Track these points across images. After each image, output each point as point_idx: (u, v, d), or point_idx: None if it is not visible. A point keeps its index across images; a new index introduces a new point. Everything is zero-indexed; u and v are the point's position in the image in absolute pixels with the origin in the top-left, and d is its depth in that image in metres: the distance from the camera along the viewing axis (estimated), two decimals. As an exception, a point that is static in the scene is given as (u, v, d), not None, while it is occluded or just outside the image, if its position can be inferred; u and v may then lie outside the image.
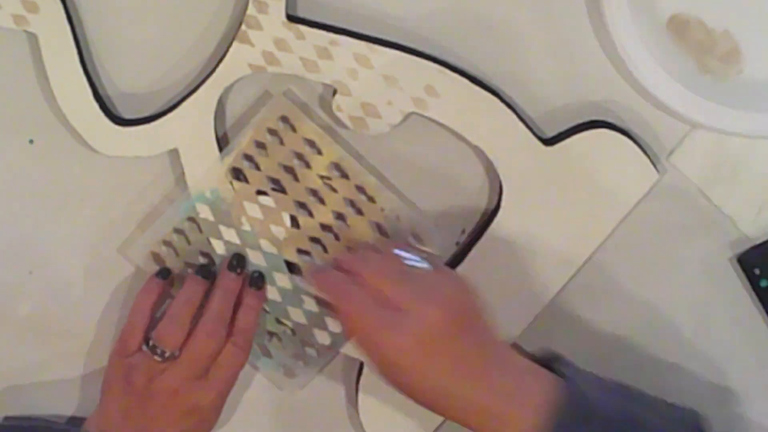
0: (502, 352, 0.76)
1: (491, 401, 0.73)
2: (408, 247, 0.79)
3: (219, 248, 0.84)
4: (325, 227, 0.84)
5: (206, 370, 0.81)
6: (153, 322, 0.82)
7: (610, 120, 0.83)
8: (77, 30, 0.83)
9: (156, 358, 0.80)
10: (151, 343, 0.81)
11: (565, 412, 0.72)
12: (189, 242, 0.85)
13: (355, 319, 0.75)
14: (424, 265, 0.78)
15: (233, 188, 0.84)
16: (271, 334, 0.85)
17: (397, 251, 0.79)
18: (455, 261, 0.84)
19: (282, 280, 0.84)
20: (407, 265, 0.78)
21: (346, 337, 0.83)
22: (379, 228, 0.84)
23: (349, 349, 0.85)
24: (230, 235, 0.84)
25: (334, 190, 0.83)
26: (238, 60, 0.82)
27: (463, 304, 0.75)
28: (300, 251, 0.84)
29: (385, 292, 0.74)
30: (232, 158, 0.83)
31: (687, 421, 0.77)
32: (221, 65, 0.82)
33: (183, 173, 0.84)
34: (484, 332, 0.76)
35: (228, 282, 0.83)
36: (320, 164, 0.83)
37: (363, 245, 0.83)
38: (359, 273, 0.76)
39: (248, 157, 0.83)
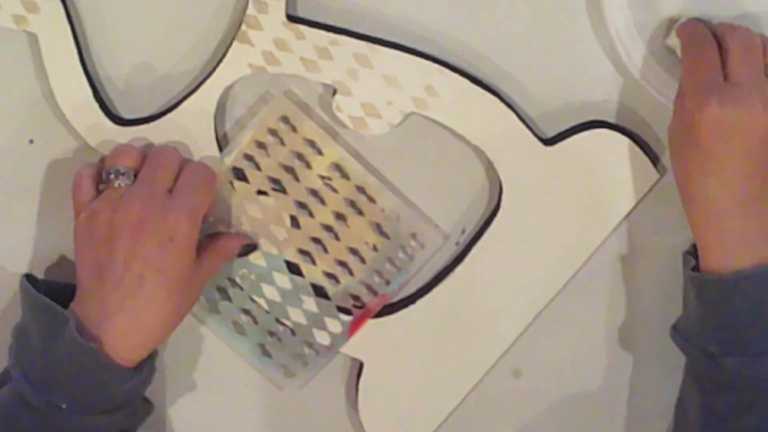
0: None
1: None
2: None
3: (219, 248, 0.85)
4: (325, 227, 0.84)
5: (168, 187, 0.78)
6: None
7: (610, 120, 0.83)
8: (77, 30, 0.83)
9: (113, 183, 0.78)
10: (104, 174, 0.78)
11: None
12: (189, 242, 0.85)
13: (689, 74, 0.75)
14: None
15: (233, 188, 0.84)
16: (271, 333, 0.85)
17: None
18: (455, 261, 0.84)
19: (282, 280, 0.84)
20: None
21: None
22: (379, 228, 0.84)
23: (349, 349, 0.85)
24: (230, 235, 0.84)
25: (335, 191, 0.83)
26: (238, 60, 0.82)
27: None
28: (300, 251, 0.84)
29: (730, 64, 0.74)
30: (232, 158, 0.83)
31: None
32: (221, 65, 0.82)
33: (183, 173, 0.84)
34: None
35: None
36: (321, 164, 0.83)
37: None
38: (724, 36, 0.75)
39: (249, 157, 0.83)
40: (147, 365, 0.78)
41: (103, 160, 0.81)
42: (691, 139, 0.75)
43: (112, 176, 0.79)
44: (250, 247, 0.83)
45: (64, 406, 0.75)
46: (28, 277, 0.80)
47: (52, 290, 0.79)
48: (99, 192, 0.79)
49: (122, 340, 0.76)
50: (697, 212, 0.77)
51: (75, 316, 0.76)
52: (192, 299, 0.80)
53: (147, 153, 0.80)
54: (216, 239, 0.82)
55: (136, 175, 0.79)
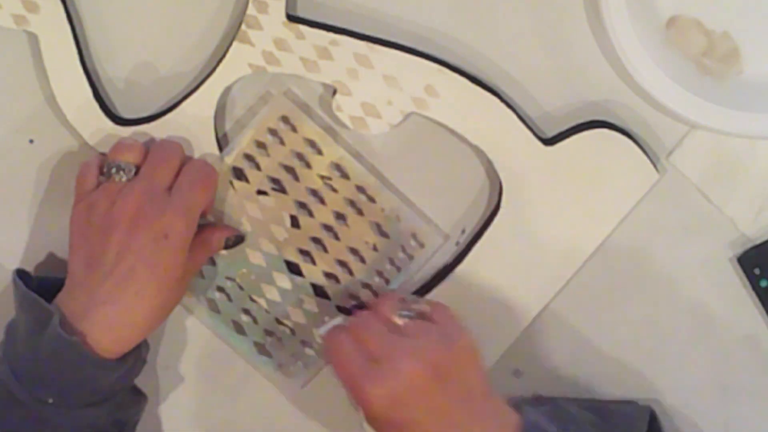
0: (486, 399, 0.77)
1: None
2: (401, 300, 0.78)
3: (219, 248, 0.85)
4: (325, 227, 0.84)
5: (167, 185, 0.79)
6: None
7: (610, 120, 0.83)
8: (77, 30, 0.83)
9: (114, 178, 0.78)
10: (105, 168, 0.79)
11: None
12: (189, 242, 0.85)
13: (340, 369, 0.76)
14: (409, 316, 0.77)
15: (234, 188, 0.84)
16: (271, 333, 0.85)
17: (388, 304, 0.78)
18: (455, 261, 0.84)
19: (282, 280, 0.84)
20: (398, 317, 0.77)
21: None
22: (379, 228, 0.84)
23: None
24: (230, 235, 0.84)
25: (335, 190, 0.83)
26: (238, 60, 0.82)
27: (445, 356, 0.75)
28: (300, 251, 0.84)
29: (368, 346, 0.75)
30: (232, 158, 0.83)
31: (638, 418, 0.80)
32: (221, 65, 0.82)
33: (183, 173, 0.84)
34: (470, 382, 0.76)
35: None
36: (321, 164, 0.83)
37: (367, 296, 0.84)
38: (350, 328, 0.77)
39: (249, 157, 0.83)
40: (131, 357, 0.78)
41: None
42: (383, 424, 0.76)
43: (113, 170, 0.79)
44: (238, 239, 0.83)
45: (50, 400, 0.76)
46: (20, 273, 0.80)
47: (45, 286, 0.79)
48: (100, 184, 0.79)
49: (107, 332, 0.76)
50: None
51: (60, 309, 0.77)
52: (179, 295, 0.80)
53: (149, 148, 0.80)
54: (200, 233, 0.81)
55: (137, 171, 0.79)
